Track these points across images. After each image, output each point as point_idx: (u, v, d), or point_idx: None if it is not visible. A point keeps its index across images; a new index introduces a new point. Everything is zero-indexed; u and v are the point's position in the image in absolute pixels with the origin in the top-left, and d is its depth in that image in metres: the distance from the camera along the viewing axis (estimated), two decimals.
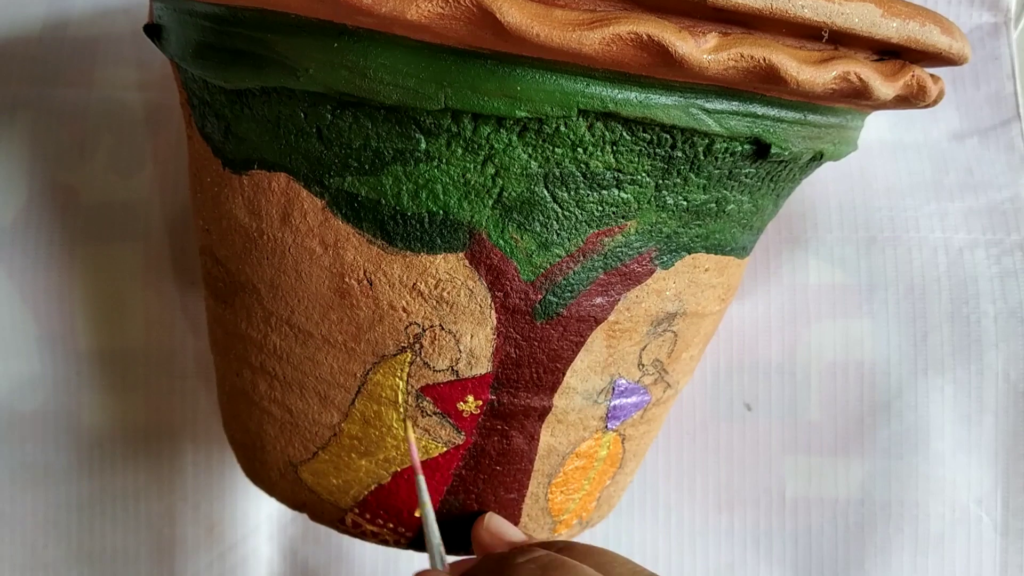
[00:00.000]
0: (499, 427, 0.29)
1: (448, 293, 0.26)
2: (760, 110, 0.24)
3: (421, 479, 0.29)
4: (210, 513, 0.44)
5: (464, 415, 0.28)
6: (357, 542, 0.44)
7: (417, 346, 0.27)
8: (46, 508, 0.44)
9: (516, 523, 0.31)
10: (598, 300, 0.27)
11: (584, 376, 0.28)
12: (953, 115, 0.44)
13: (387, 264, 0.26)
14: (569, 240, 0.25)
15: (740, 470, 0.43)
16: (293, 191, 0.26)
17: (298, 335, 0.28)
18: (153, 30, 0.29)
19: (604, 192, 0.25)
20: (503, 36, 0.21)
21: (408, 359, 0.27)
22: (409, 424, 0.28)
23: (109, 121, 0.44)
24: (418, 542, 0.31)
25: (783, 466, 0.43)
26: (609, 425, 0.30)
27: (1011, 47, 0.44)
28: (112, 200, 0.44)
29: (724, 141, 0.24)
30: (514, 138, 0.24)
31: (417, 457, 0.29)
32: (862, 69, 0.23)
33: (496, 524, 0.30)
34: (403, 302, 0.26)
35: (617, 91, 0.23)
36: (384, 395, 0.28)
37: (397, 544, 0.31)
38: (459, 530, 0.31)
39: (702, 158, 0.25)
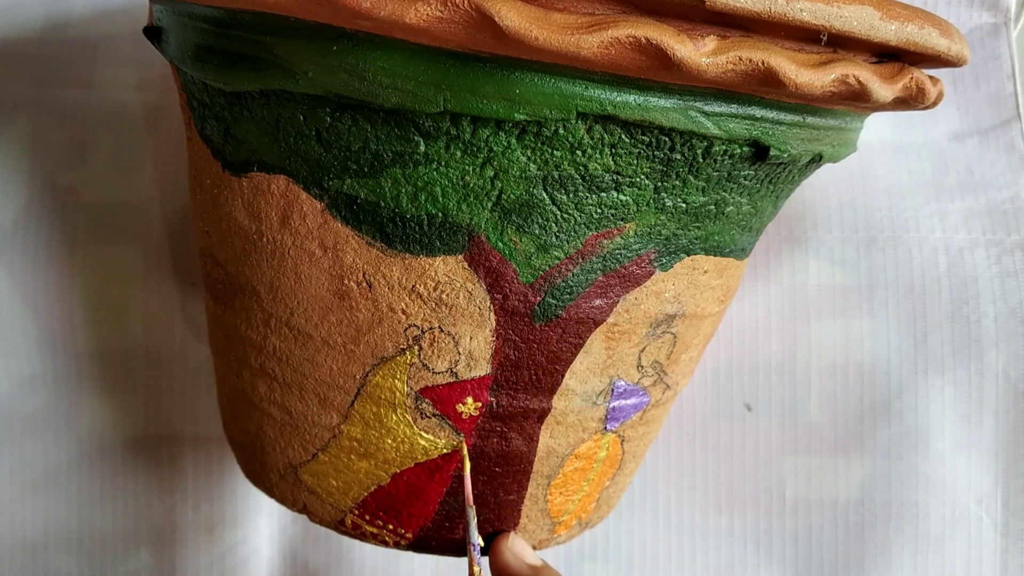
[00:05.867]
0: (498, 429, 0.29)
1: (447, 295, 0.26)
2: (759, 112, 0.24)
3: (472, 511, 0.29)
4: (210, 513, 0.45)
5: (463, 417, 0.28)
6: (357, 543, 0.44)
7: (416, 348, 0.27)
8: (46, 508, 0.44)
9: (515, 524, 0.31)
10: (597, 302, 0.27)
11: (583, 378, 0.28)
12: (953, 115, 0.44)
13: (386, 266, 0.26)
14: (568, 242, 0.25)
15: (740, 470, 0.43)
16: (292, 193, 0.26)
17: (297, 337, 0.28)
18: (153, 32, 0.29)
19: (603, 194, 0.25)
20: (502, 39, 0.21)
21: (407, 361, 0.27)
22: (466, 453, 0.29)
23: (109, 121, 0.44)
24: (417, 543, 0.31)
25: (783, 466, 0.43)
26: (608, 426, 0.30)
27: (1011, 47, 0.44)
28: (112, 200, 0.44)
29: (723, 143, 0.24)
30: (513, 141, 0.24)
31: (470, 490, 0.29)
32: (861, 72, 0.23)
33: (519, 547, 0.31)
34: (402, 304, 0.26)
35: (616, 94, 0.23)
36: (383, 397, 0.28)
37: (396, 545, 0.31)
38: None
39: (701, 160, 0.25)
